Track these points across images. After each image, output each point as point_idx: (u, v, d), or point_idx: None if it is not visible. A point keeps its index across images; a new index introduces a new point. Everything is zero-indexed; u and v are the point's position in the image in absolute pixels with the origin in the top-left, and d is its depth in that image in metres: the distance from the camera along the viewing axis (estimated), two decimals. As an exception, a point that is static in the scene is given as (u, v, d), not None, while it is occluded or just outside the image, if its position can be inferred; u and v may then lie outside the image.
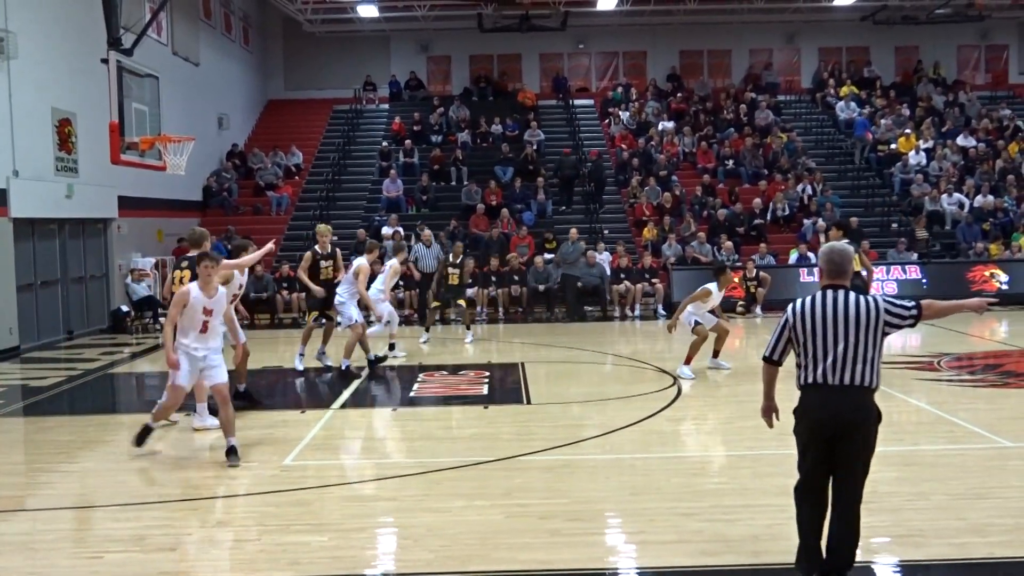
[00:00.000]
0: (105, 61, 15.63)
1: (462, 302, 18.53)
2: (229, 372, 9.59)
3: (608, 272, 22.00)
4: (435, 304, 18.16)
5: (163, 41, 24.51)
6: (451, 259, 18.13)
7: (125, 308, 20.92)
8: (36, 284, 18.31)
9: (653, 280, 22.05)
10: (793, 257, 23.25)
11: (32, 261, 18.22)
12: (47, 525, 7.44)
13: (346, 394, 12.70)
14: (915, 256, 23.17)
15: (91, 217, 20.41)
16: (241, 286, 11.21)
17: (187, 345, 9.09)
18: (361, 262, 14.19)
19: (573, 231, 22.80)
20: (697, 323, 13.40)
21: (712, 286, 13.36)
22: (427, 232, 21.87)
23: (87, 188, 19.74)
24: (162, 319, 20.88)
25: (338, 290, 14.13)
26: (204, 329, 9.09)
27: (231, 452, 8.88)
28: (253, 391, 11.81)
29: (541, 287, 21.80)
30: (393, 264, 15.89)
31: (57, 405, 12.88)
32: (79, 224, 19.98)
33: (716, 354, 13.90)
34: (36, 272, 18.35)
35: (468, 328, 18.47)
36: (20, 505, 8.06)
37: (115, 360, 16.60)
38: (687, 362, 13.30)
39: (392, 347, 15.80)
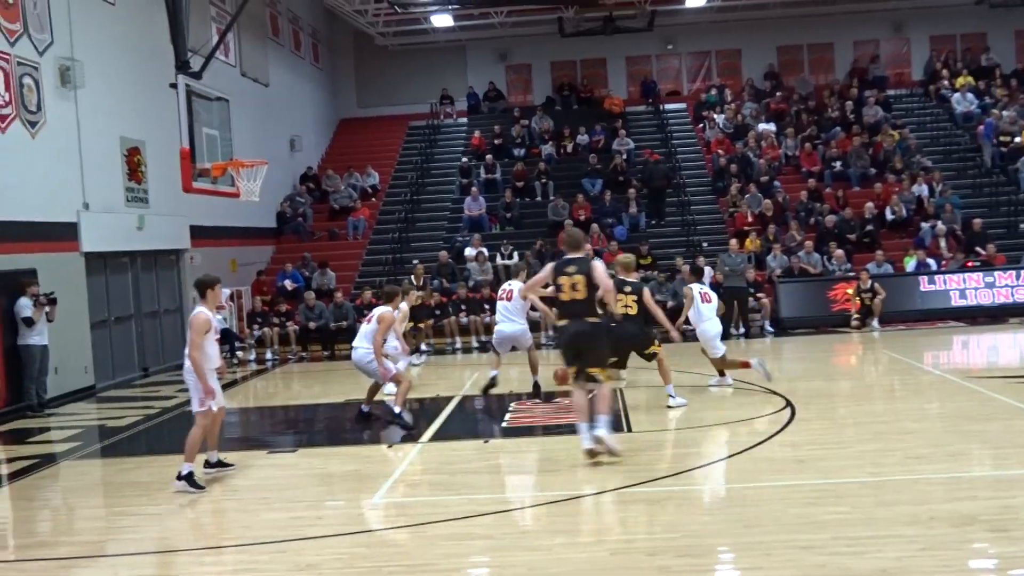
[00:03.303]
0: (174, 86, 16.00)
1: (422, 324, 19.53)
2: None
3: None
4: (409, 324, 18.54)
5: (231, 62, 25.07)
6: (413, 281, 19.02)
7: (201, 342, 21.30)
8: (110, 320, 18.77)
9: (758, 295, 21.78)
10: (910, 265, 22.70)
11: (105, 296, 18.69)
12: (129, 571, 7.60)
13: (435, 426, 12.75)
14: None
15: (163, 248, 20.84)
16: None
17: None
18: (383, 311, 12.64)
19: (733, 241, 22.68)
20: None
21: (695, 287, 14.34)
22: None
23: (158, 219, 20.21)
24: (239, 352, 21.40)
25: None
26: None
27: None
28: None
29: (636, 306, 21.62)
30: (403, 307, 14.56)
31: (136, 445, 13.19)
32: (151, 256, 20.43)
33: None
34: (110, 307, 18.81)
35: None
36: (101, 551, 8.25)
37: (192, 397, 16.89)
38: (721, 374, 14.27)
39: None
